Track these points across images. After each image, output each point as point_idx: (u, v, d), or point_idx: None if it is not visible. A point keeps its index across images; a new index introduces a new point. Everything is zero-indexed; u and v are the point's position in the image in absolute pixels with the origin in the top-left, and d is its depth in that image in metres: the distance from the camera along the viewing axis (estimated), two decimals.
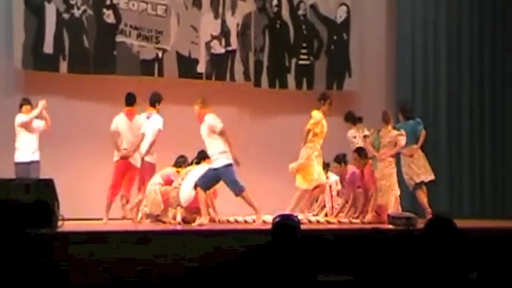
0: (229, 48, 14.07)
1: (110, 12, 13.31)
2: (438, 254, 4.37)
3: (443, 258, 4.35)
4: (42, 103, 11.54)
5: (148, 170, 11.59)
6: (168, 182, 11.52)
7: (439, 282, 4.32)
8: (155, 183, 11.52)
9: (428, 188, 12.78)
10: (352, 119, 13.16)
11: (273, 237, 4.87)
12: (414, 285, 4.37)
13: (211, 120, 10.81)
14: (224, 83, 13.98)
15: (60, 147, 12.40)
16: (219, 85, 13.84)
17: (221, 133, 10.74)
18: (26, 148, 11.48)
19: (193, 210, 11.19)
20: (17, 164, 11.46)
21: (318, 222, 11.76)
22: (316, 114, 11.84)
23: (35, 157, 11.55)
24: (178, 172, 11.57)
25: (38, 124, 11.66)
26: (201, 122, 10.90)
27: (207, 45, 13.93)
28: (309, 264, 4.86)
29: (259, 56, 14.27)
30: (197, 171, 11.23)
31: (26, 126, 11.52)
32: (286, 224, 4.91)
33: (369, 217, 11.62)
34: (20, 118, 11.57)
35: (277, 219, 4.99)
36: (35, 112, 11.54)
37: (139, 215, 11.58)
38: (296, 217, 5.17)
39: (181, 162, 11.80)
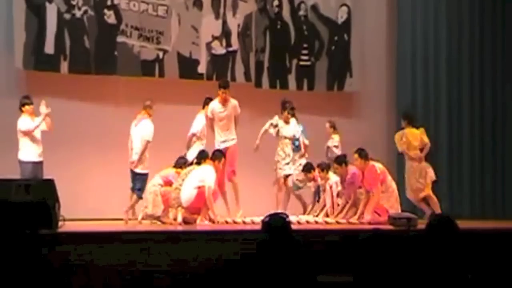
0: (230, 49, 14.07)
1: (111, 12, 13.32)
2: (439, 255, 4.37)
3: (444, 258, 4.36)
4: (44, 110, 11.15)
5: None
6: (168, 183, 11.51)
7: (440, 283, 4.33)
8: (155, 184, 11.52)
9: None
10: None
11: (267, 235, 4.90)
12: (415, 285, 4.38)
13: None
14: None
15: (60, 147, 12.38)
16: None
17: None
18: (32, 148, 11.18)
19: (193, 210, 11.19)
20: (23, 163, 11.13)
21: (316, 222, 11.77)
22: None
23: (41, 157, 11.25)
24: (178, 173, 11.56)
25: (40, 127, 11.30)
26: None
27: (208, 45, 13.94)
28: (308, 264, 4.87)
29: (260, 56, 14.28)
30: (197, 172, 11.23)
31: (29, 134, 11.15)
32: (276, 221, 4.96)
33: (368, 218, 11.60)
34: (24, 125, 11.17)
35: (266, 219, 5.03)
36: (39, 120, 11.17)
37: (140, 215, 11.61)
38: (285, 214, 5.24)
39: (181, 163, 11.78)
